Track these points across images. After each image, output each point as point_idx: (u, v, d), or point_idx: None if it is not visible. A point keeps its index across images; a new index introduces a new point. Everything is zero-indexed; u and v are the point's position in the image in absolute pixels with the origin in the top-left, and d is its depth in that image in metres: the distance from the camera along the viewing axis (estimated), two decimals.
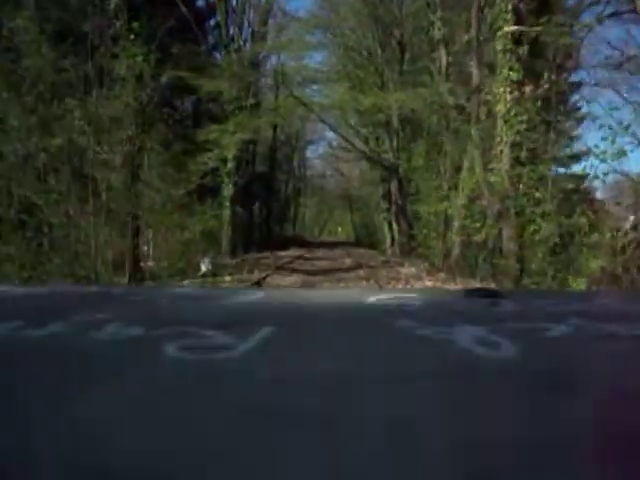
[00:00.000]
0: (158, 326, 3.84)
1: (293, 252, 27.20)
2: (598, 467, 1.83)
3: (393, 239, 29.07)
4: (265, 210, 36.62)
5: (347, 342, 3.63)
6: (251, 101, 25.58)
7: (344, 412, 2.29)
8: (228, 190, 23.44)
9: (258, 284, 12.78)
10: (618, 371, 3.00)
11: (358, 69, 29.44)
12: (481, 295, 5.74)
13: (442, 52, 19.49)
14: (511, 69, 13.08)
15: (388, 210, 30.03)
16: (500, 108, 13.24)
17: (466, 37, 16.19)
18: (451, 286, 12.21)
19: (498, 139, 13.28)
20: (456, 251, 16.33)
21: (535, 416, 2.26)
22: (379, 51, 27.82)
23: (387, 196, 30.18)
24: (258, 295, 6.41)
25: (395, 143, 27.18)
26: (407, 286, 12.85)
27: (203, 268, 15.29)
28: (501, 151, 13.16)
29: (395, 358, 3.23)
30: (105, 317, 4.18)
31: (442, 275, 15.51)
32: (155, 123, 16.52)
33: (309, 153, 52.72)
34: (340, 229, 61.82)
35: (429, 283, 13.80)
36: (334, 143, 43.90)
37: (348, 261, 22.84)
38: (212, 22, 27.20)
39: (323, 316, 4.66)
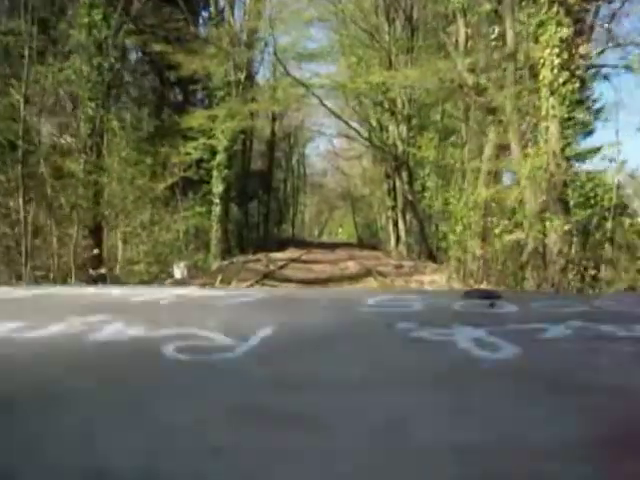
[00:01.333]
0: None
1: (290, 254, 24.59)
2: (598, 468, 1.84)
3: (398, 239, 27.06)
4: (262, 209, 35.03)
5: (347, 344, 3.63)
6: (243, 82, 22.51)
7: (344, 413, 2.29)
8: (218, 185, 20.72)
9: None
10: (617, 373, 3.00)
11: (362, 47, 25.88)
12: (480, 296, 5.75)
13: (460, 23, 16.52)
14: (559, 24, 10.39)
15: (393, 208, 28.01)
16: (545, 75, 10.53)
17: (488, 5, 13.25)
18: None
19: (543, 112, 10.59)
20: (497, 255, 12.44)
21: (535, 418, 2.27)
22: (385, 26, 24.48)
23: (392, 193, 27.99)
24: (258, 294, 6.41)
25: (404, 131, 24.13)
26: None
27: (177, 274, 13.22)
28: (546, 128, 10.57)
29: (395, 360, 3.23)
30: None
31: (484, 287, 11.84)
32: (123, 100, 14.79)
33: (308, 151, 51.42)
34: (341, 229, 60.33)
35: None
36: (335, 142, 43.05)
37: (352, 265, 19.23)
38: None
39: (323, 316, 4.67)
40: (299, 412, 2.28)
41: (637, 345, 3.64)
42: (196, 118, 19.92)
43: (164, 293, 6.40)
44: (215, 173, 20.87)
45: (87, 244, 11.73)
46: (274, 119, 35.12)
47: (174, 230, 15.20)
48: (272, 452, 1.90)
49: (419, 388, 2.66)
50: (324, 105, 23.71)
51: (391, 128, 25.94)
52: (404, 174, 23.67)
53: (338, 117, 26.23)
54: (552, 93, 10.50)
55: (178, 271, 13.29)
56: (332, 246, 34.97)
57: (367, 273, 15.71)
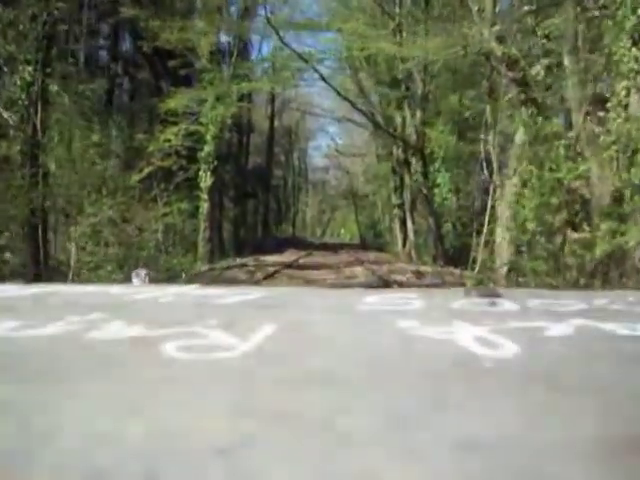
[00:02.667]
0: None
1: (287, 256, 22.08)
2: (598, 468, 1.83)
3: (405, 240, 25.13)
4: (261, 208, 33.51)
5: (347, 342, 3.63)
6: (235, 60, 20.28)
7: (344, 413, 2.29)
8: (206, 179, 18.48)
9: None
10: (618, 372, 2.99)
11: (368, 16, 22.54)
12: (481, 294, 5.75)
13: None
14: None
15: (400, 206, 25.95)
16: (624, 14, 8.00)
17: None
18: None
19: (626, 68, 8.35)
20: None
21: (535, 416, 2.26)
22: None
23: (399, 190, 25.82)
24: (259, 293, 6.41)
25: (418, 115, 21.36)
26: None
27: (136, 282, 11.38)
28: (627, 92, 8.39)
29: (396, 358, 3.23)
30: None
31: None
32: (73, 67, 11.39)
33: (310, 150, 50.27)
34: (343, 230, 58.92)
35: None
36: (337, 139, 41.96)
37: (360, 272, 16.31)
38: None
39: (323, 315, 4.67)
40: (299, 412, 2.27)
41: (639, 344, 3.64)
42: (178, 99, 17.50)
43: (164, 291, 6.40)
44: (203, 165, 18.67)
45: (24, 246, 9.22)
46: (273, 114, 33.98)
47: (150, 229, 13.05)
48: (272, 452, 1.89)
49: (419, 386, 2.65)
50: (326, 82, 21.15)
51: (402, 111, 23.08)
52: (418, 164, 21.00)
53: (341, 96, 23.44)
54: (635, 43, 8.10)
55: (136, 280, 11.09)
56: (334, 247, 33.06)
57: (382, 284, 12.94)
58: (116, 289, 6.72)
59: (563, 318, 4.25)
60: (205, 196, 19.08)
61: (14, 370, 2.94)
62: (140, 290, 6.54)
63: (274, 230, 39.50)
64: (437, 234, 19.98)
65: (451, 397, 2.52)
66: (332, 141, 42.67)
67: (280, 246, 29.54)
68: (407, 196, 24.60)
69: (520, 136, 12.60)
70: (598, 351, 3.43)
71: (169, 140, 17.18)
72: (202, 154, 18.73)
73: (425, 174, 20.89)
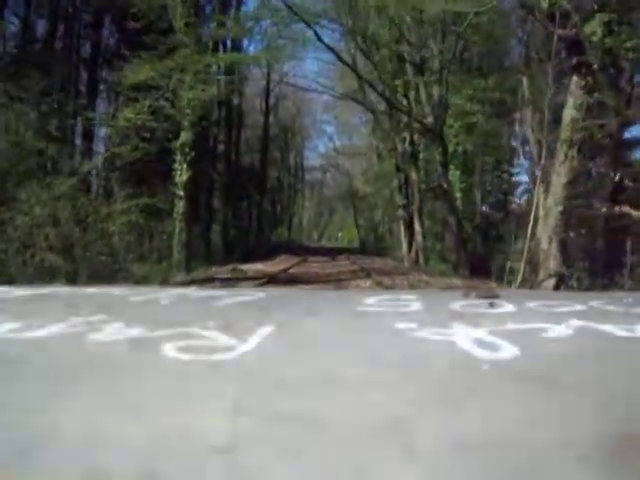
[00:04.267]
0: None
1: (277, 264, 18.60)
2: (597, 467, 1.84)
3: (411, 244, 22.28)
4: (255, 211, 30.55)
5: (347, 343, 3.63)
6: (216, 29, 16.34)
7: (344, 413, 2.29)
8: (182, 173, 15.19)
9: None
10: (618, 373, 3.00)
11: None
12: (479, 296, 5.75)
13: None
14: None
15: (405, 207, 23.21)
16: None
17: None
18: None
19: None
20: None
21: (535, 418, 2.27)
22: None
23: (404, 189, 23.19)
24: (258, 294, 6.41)
25: (435, 92, 17.01)
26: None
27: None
28: None
29: (395, 360, 3.23)
30: None
31: None
32: None
33: (307, 151, 48.17)
34: (341, 234, 56.90)
35: None
36: (335, 139, 40.29)
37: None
38: None
39: (323, 316, 4.67)
40: (299, 412, 2.28)
41: (637, 345, 3.65)
42: (140, 71, 14.13)
43: (164, 293, 6.41)
44: (178, 156, 15.40)
45: None
46: (267, 107, 31.73)
47: (105, 229, 10.65)
48: (272, 452, 1.90)
49: (418, 388, 2.66)
50: (325, 44, 16.77)
51: (414, 88, 19.26)
52: (436, 152, 17.05)
53: (344, 62, 18.96)
54: None
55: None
56: (332, 252, 29.72)
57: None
58: (117, 290, 6.72)
59: (562, 319, 4.26)
60: (181, 192, 15.41)
61: (15, 370, 2.95)
62: (140, 292, 6.54)
63: (269, 234, 36.92)
64: (459, 237, 15.93)
65: (450, 398, 2.52)
66: (330, 141, 41.39)
67: (273, 251, 26.91)
68: (415, 194, 21.60)
69: (571, 111, 10.22)
70: (597, 352, 3.44)
71: (128, 120, 13.91)
72: (177, 143, 15.33)
73: (445, 164, 16.74)
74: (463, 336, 3.66)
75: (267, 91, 32.64)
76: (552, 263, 10.04)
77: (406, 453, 1.91)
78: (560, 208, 10.08)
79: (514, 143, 21.26)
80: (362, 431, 2.09)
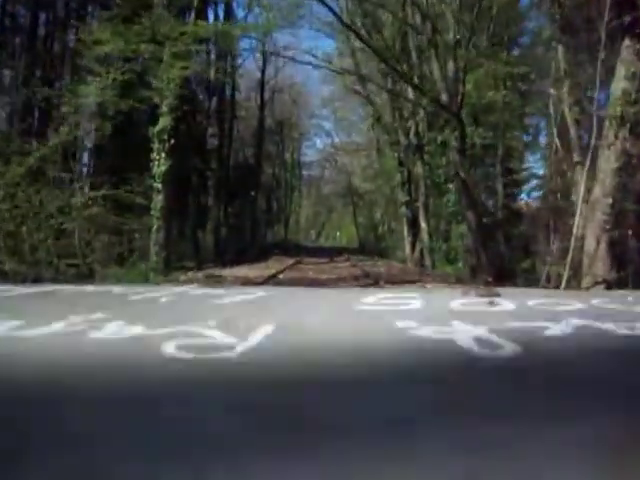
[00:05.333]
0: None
1: (267, 267, 16.49)
2: (598, 468, 1.84)
3: (414, 244, 20.90)
4: (249, 209, 28.85)
5: (347, 342, 3.63)
6: None
7: (344, 412, 2.29)
8: (161, 163, 13.24)
9: None
10: (617, 370, 3.00)
11: None
12: (479, 294, 5.75)
13: None
14: None
15: (408, 204, 21.58)
16: None
17: None
18: None
19: None
20: None
21: (535, 416, 2.27)
22: None
23: (407, 185, 21.53)
24: (258, 292, 6.41)
25: (451, 66, 14.13)
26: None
27: None
28: None
29: (396, 358, 3.23)
30: None
31: None
32: None
33: (305, 149, 46.72)
34: (339, 233, 55.36)
35: None
36: (334, 135, 38.94)
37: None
38: None
39: (323, 314, 4.67)
40: (299, 411, 2.28)
41: (637, 343, 3.65)
42: (100, 36, 12.34)
43: (164, 291, 6.40)
44: (156, 144, 13.51)
45: None
46: (262, 99, 29.22)
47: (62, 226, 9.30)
48: (272, 451, 1.90)
49: (419, 386, 2.66)
50: (327, 6, 14.31)
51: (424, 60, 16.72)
52: (452, 136, 14.23)
53: (350, 28, 16.54)
54: None
55: None
56: (331, 253, 27.54)
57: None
58: (117, 289, 6.72)
59: (562, 318, 4.26)
60: (159, 185, 13.48)
61: (16, 369, 2.94)
62: (140, 290, 6.53)
63: (265, 233, 35.58)
64: (480, 236, 13.30)
65: (450, 396, 2.52)
66: (328, 137, 39.95)
67: (267, 251, 24.98)
68: (421, 190, 19.93)
69: (622, 83, 8.63)
70: (597, 350, 3.44)
71: (90, 96, 12.39)
72: (155, 129, 13.50)
73: (462, 150, 14.22)
74: (463, 334, 3.66)
75: (262, 82, 30.65)
76: (600, 267, 8.54)
77: (406, 452, 1.91)
78: (609, 200, 8.45)
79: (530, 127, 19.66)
80: (362, 430, 2.09)
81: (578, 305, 5.19)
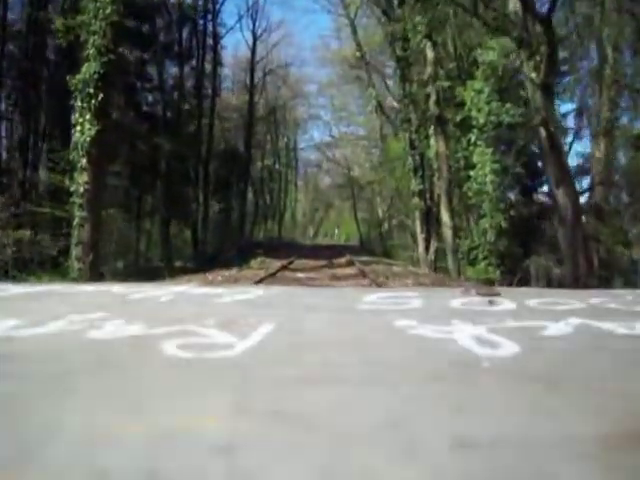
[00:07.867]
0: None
1: (235, 277, 13.90)
2: (597, 467, 1.84)
3: (429, 242, 17.86)
4: (239, 203, 25.85)
5: (347, 341, 3.63)
6: None
7: (343, 412, 2.29)
8: (83, 127, 9.41)
9: None
10: (618, 371, 3.00)
11: None
12: (479, 293, 5.76)
13: None
14: None
15: (421, 194, 18.33)
16: None
17: None
18: None
19: None
20: None
21: (535, 416, 2.27)
22: None
23: (421, 171, 18.30)
24: (258, 292, 6.42)
25: None
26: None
27: None
28: None
29: (395, 358, 3.23)
30: None
31: None
32: None
33: (302, 143, 44.38)
34: (337, 230, 53.13)
35: None
36: (332, 125, 37.44)
37: None
38: None
39: (323, 314, 4.67)
40: (299, 411, 2.28)
41: (637, 343, 3.65)
42: None
43: (164, 290, 6.42)
44: (78, 102, 9.58)
45: None
46: (252, 76, 25.35)
47: None
48: (272, 451, 1.90)
49: (418, 386, 2.65)
50: None
51: None
52: (531, 64, 10.99)
53: None
54: None
55: None
56: (328, 253, 24.34)
57: None
58: (115, 288, 6.73)
59: (562, 317, 4.26)
60: (82, 161, 9.45)
61: (15, 369, 2.94)
62: (140, 289, 6.54)
63: (255, 230, 32.02)
64: (579, 228, 9.59)
65: (450, 396, 2.52)
66: (326, 127, 37.33)
67: (250, 252, 20.78)
68: (443, 174, 16.44)
69: None
70: (597, 350, 3.44)
71: None
72: (75, 79, 9.69)
73: (549, 86, 10.62)
74: (463, 334, 3.66)
75: (252, 60, 27.69)
76: None
77: (406, 452, 1.91)
78: None
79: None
80: (362, 430, 2.09)
81: (578, 304, 5.20)
